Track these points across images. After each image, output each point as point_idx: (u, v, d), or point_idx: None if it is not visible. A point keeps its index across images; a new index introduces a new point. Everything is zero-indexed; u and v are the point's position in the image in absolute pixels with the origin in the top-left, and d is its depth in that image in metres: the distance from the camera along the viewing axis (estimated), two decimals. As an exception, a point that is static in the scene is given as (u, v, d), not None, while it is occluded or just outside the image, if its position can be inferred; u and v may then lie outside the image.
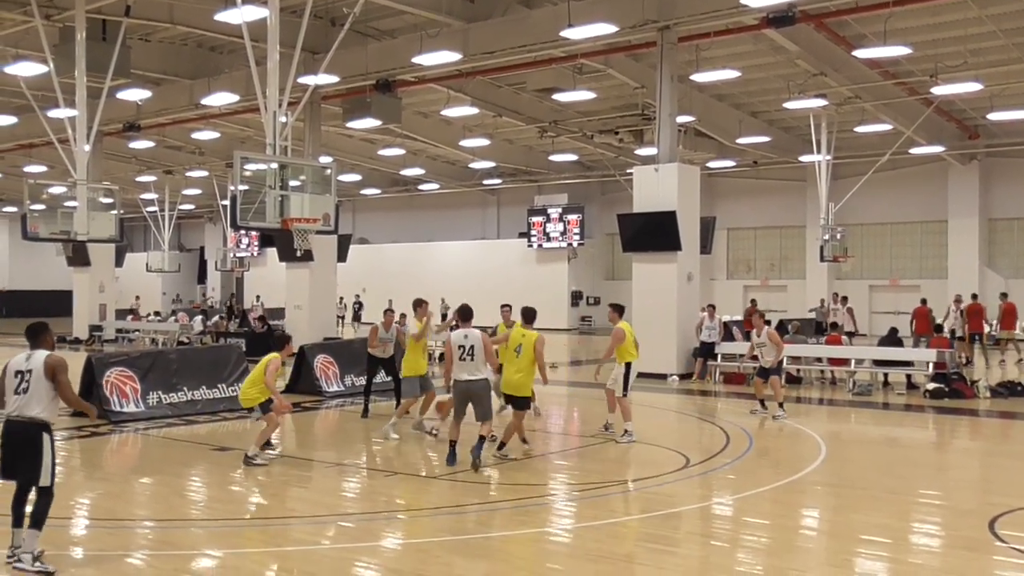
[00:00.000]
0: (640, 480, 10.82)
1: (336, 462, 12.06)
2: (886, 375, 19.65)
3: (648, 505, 9.64)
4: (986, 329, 23.48)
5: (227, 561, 7.57)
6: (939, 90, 25.92)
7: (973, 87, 24.94)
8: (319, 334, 25.12)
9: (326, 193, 17.35)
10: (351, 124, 29.45)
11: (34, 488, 7.04)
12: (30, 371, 7.12)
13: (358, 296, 42.61)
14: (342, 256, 28.39)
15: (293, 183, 16.69)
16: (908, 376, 19.10)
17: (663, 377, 20.56)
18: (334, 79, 24.58)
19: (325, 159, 27.01)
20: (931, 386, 17.88)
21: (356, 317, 41.95)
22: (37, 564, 6.92)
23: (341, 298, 38.65)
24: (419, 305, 13.48)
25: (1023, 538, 8.16)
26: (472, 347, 10.82)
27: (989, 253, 34.66)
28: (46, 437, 7.06)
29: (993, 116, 29.12)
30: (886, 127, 30.14)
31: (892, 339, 20.54)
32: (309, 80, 22.04)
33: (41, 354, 7.21)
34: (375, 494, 10.21)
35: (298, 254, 19.64)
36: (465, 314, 11.27)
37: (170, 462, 11.82)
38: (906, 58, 24.42)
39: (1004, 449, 13.95)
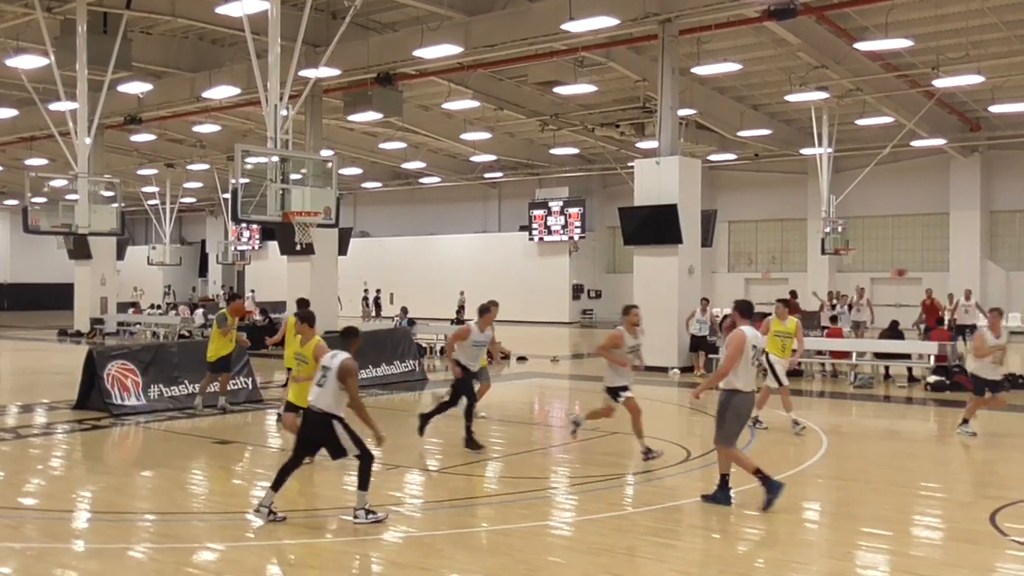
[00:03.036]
0: (641, 473, 10.82)
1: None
2: (887, 368, 19.65)
3: (649, 498, 9.66)
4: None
5: (229, 555, 7.59)
6: (940, 82, 25.87)
7: (975, 79, 24.90)
8: (320, 327, 25.12)
9: (327, 186, 17.36)
10: (352, 117, 29.44)
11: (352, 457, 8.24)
12: (329, 369, 8.30)
13: (377, 291, 42.01)
14: (343, 249, 28.40)
15: (294, 176, 16.71)
16: (909, 369, 19.11)
17: (664, 370, 20.57)
18: (335, 72, 24.57)
19: (326, 152, 27.02)
20: (932, 379, 17.89)
21: (376, 312, 40.90)
22: (370, 516, 8.17)
23: (366, 292, 38.25)
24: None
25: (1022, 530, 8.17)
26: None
27: (991, 245, 34.64)
28: (337, 424, 8.19)
29: (995, 108, 29.09)
30: (887, 120, 30.10)
31: (893, 332, 20.53)
32: (310, 73, 22.02)
33: (341, 356, 8.34)
34: (377, 488, 10.19)
35: (299, 247, 19.66)
36: (745, 311, 9.32)
37: (172, 455, 11.84)
38: (907, 50, 24.39)
39: (1005, 442, 13.94)
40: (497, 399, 19.01)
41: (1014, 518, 8.50)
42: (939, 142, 32.43)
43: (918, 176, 35.35)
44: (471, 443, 11.78)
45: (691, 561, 7.52)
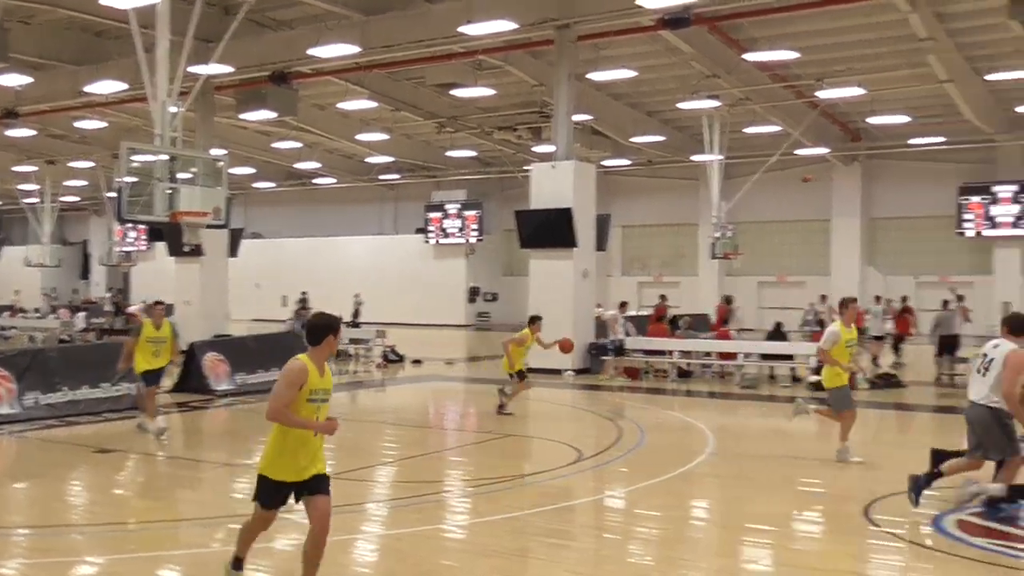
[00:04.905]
0: (534, 475, 10.90)
1: (227, 462, 11.79)
2: (772, 368, 20.26)
3: (542, 499, 9.72)
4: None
5: (109, 568, 7.33)
6: (824, 94, 26.88)
7: (856, 91, 25.96)
8: (209, 330, 24.53)
9: (217, 186, 16.94)
10: (245, 116, 28.84)
11: None
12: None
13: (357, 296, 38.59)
14: (233, 251, 27.79)
15: (183, 175, 16.25)
16: (792, 369, 19.75)
17: (558, 372, 20.75)
18: (228, 69, 24.01)
19: (217, 151, 26.38)
20: (813, 379, 18.50)
21: (354, 320, 35.20)
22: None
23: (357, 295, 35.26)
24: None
25: (895, 522, 8.52)
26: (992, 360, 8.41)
27: (870, 251, 36.06)
28: None
29: (873, 120, 30.36)
30: (775, 128, 31.05)
31: (777, 334, 21.21)
32: (201, 69, 21.46)
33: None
34: (267, 493, 10.01)
35: (187, 249, 19.15)
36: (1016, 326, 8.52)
37: (49, 465, 11.37)
38: (794, 62, 25.21)
39: (880, 437, 14.55)
40: (391, 402, 18.92)
41: (886, 510, 8.86)
42: (822, 151, 33.62)
43: (803, 184, 36.56)
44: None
45: (584, 561, 7.59)
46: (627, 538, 8.45)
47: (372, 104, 30.23)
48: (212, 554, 7.67)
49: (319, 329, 6.06)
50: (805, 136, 31.29)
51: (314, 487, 6.00)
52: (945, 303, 21.50)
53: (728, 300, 26.16)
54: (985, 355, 8.33)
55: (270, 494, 6.04)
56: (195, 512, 9.16)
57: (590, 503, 9.72)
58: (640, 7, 19.36)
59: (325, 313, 6.29)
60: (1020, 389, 7.99)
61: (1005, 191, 32.69)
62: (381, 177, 44.16)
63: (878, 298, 24.98)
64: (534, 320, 15.76)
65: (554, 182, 21.59)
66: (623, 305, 23.97)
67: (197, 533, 8.30)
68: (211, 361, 17.63)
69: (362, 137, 35.26)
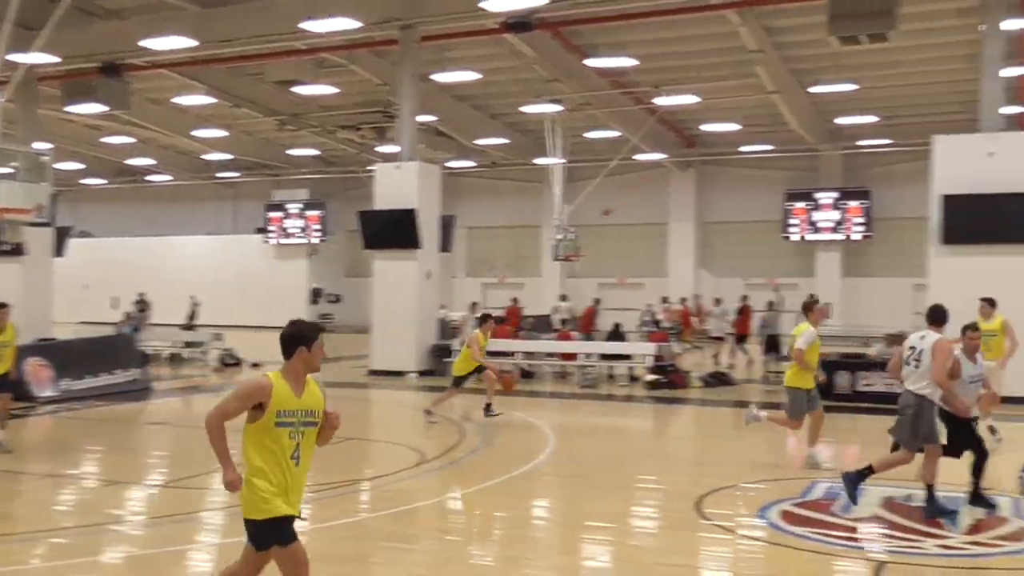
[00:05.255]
0: (375, 478, 10.81)
1: (49, 473, 11.16)
2: (611, 368, 20.80)
3: (383, 503, 9.65)
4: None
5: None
6: (661, 101, 27.78)
7: (691, 99, 26.98)
8: (31, 334, 23.15)
9: (41, 182, 16.06)
10: (72, 108, 27.35)
11: None
12: None
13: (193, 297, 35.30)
14: (59, 250, 26.31)
15: (3, 170, 15.30)
16: (630, 369, 20.34)
17: (401, 374, 20.66)
18: (53, 59, 22.71)
19: (41, 145, 24.93)
20: (650, 377, 19.14)
21: (190, 322, 33.29)
22: None
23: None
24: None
25: (724, 515, 8.90)
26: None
27: (703, 254, 37.53)
28: None
29: (707, 127, 31.59)
30: (615, 133, 31.87)
31: (616, 334, 21.81)
32: (22, 58, 20.25)
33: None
34: (93, 505, 9.55)
35: (7, 247, 18.05)
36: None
37: None
38: (633, 70, 25.94)
39: (712, 433, 15.19)
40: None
41: (716, 504, 9.25)
42: (660, 156, 34.75)
43: (642, 188, 37.65)
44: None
45: (425, 564, 7.58)
46: (469, 539, 8.50)
47: (210, 99, 29.26)
48: (31, 571, 7.24)
49: (288, 340, 5.14)
50: (644, 142, 32.24)
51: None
52: (770, 304, 22.60)
53: (597, 301, 26.78)
54: (913, 347, 8.68)
55: (273, 531, 5.06)
56: (12, 527, 8.62)
57: (432, 505, 9.71)
58: (484, 10, 19.50)
59: (299, 320, 5.39)
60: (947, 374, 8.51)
61: (826, 198, 34.63)
62: (219, 175, 42.78)
63: (718, 300, 25.97)
64: (484, 319, 15.09)
65: (398, 183, 21.48)
66: (474, 306, 24.08)
67: (15, 549, 7.81)
68: (33, 366, 16.64)
69: (199, 133, 34.07)
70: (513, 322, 26.10)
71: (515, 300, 29.16)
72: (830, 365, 17.32)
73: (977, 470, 8.79)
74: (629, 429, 15.90)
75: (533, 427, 14.61)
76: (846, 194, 34.29)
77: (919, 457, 8.71)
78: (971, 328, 8.93)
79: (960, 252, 16.93)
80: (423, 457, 11.74)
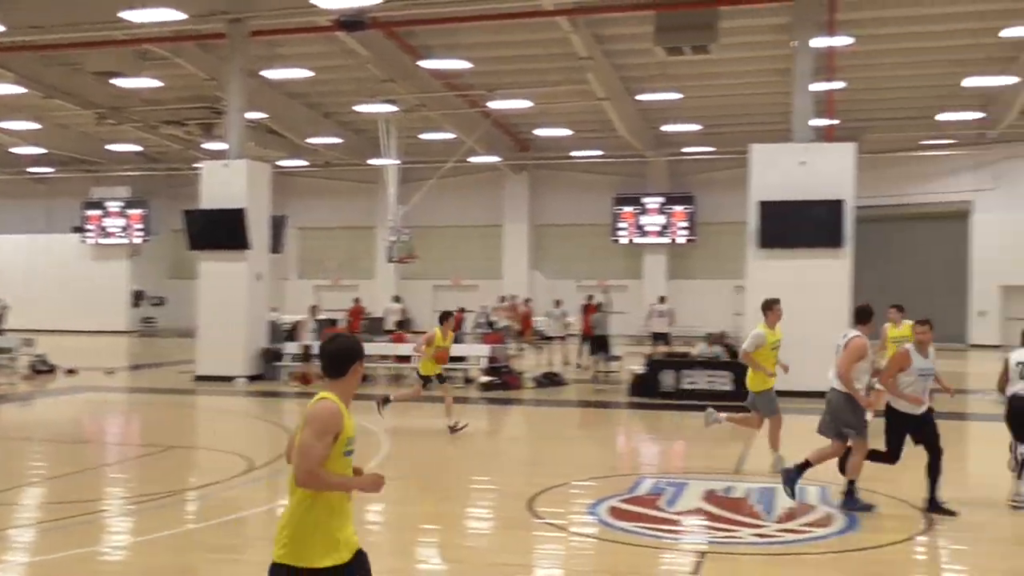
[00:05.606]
0: (202, 488, 10.42)
1: None
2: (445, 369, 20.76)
3: (209, 513, 9.31)
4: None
5: None
6: (495, 105, 28.06)
7: (524, 104, 27.38)
8: None
9: None
10: None
11: None
12: None
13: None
14: None
15: None
16: (464, 371, 20.41)
17: (229, 380, 20.01)
18: None
19: None
20: (484, 379, 19.27)
21: None
22: None
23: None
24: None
25: (556, 513, 9.05)
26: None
27: (537, 256, 38.15)
28: None
29: (540, 132, 32.14)
30: (450, 135, 31.97)
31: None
32: None
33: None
34: None
35: None
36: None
37: None
38: (468, 72, 26.09)
39: (545, 432, 15.46)
40: (40, 417, 17.29)
41: (548, 503, 9.40)
42: (494, 159, 35.10)
43: (477, 190, 37.93)
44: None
45: (255, 575, 7.35)
46: (299, 546, 8.29)
47: (20, 89, 27.46)
48: None
49: (341, 356, 4.35)
50: (478, 144, 32.48)
51: (360, 567, 4.37)
52: (599, 305, 23.17)
53: (460, 309, 26.37)
54: (839, 345, 9.05)
55: None
56: None
57: (261, 514, 9.43)
58: (315, 7, 19.14)
59: (343, 334, 4.74)
60: (855, 371, 8.89)
61: (653, 203, 35.91)
62: (30, 170, 40.24)
63: (558, 302, 26.28)
64: (446, 316, 14.37)
65: (226, 181, 20.80)
66: (314, 309, 23.57)
67: None
68: None
69: (7, 125, 31.94)
70: (355, 323, 25.82)
71: (357, 300, 28.80)
72: (655, 364, 18.00)
73: (933, 470, 8.77)
74: (463, 431, 15.94)
75: (365, 431, 14.42)
76: (672, 199, 35.66)
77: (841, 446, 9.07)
78: (920, 323, 9.06)
79: (775, 255, 17.88)
80: (251, 464, 11.40)
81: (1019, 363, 9.34)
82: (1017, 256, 30.21)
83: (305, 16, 20.78)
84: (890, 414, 8.95)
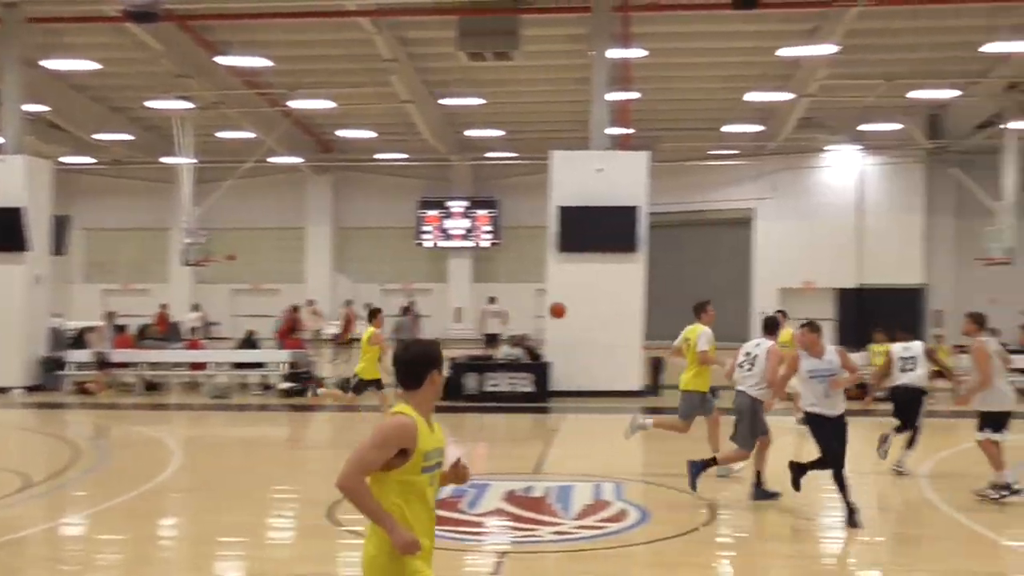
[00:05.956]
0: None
1: None
2: (244, 377, 20.16)
3: (-19, 535, 8.62)
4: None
5: None
6: (296, 104, 27.48)
7: (327, 104, 26.93)
8: None
9: None
10: None
11: None
12: None
13: None
14: None
15: None
16: (264, 377, 19.85)
17: (4, 391, 18.63)
18: None
19: None
20: (285, 385, 18.81)
21: None
22: None
23: None
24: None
25: (358, 520, 8.88)
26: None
27: (340, 259, 37.62)
28: None
29: (343, 133, 31.72)
30: (250, 135, 31.02)
31: (248, 342, 21.23)
32: None
33: None
34: None
35: None
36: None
37: None
38: (268, 70, 25.40)
39: (348, 439, 15.22)
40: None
41: (349, 510, 9.23)
42: (296, 160, 34.35)
43: (278, 191, 36.97)
44: None
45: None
46: (87, 567, 7.83)
47: None
48: None
49: (417, 364, 4.05)
50: (279, 144, 31.69)
51: None
52: (404, 309, 23.14)
53: (295, 308, 25.35)
54: (748, 353, 9.62)
55: None
56: None
57: (41, 533, 8.84)
58: (103, -5, 18.16)
59: (421, 340, 4.33)
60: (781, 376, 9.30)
61: (457, 206, 36.17)
62: None
63: (407, 308, 25.86)
64: (375, 314, 13.75)
65: (2, 178, 19.36)
66: (110, 315, 22.21)
67: None
68: None
69: None
70: (162, 328, 24.61)
71: (164, 307, 27.43)
72: (459, 367, 18.15)
73: (815, 464, 8.81)
74: (263, 439, 15.53)
75: (157, 442, 13.79)
76: (476, 203, 36.05)
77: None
78: (801, 326, 9.15)
79: (574, 259, 18.42)
80: (28, 481, 10.64)
81: (901, 357, 10.81)
82: (792, 260, 32.44)
83: (90, 4, 19.64)
84: (807, 419, 8.95)
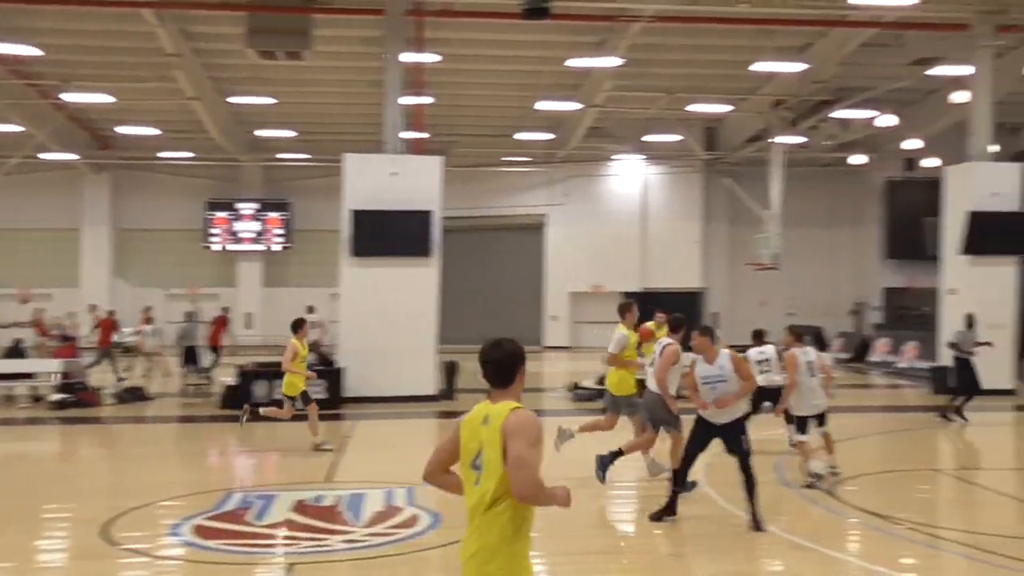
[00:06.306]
0: None
1: None
2: (10, 389, 18.72)
3: None
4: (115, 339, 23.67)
5: None
6: (70, 97, 25.83)
7: (105, 98, 25.41)
8: None
9: None
10: None
11: None
12: None
13: None
14: None
15: None
16: (33, 388, 18.51)
17: None
18: None
19: None
20: (57, 397, 17.62)
21: None
22: None
23: None
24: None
25: (136, 537, 8.51)
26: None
27: (119, 263, 35.62)
28: None
29: (123, 129, 30.09)
30: (17, 129, 28.88)
31: (16, 351, 19.77)
32: None
33: None
34: None
35: None
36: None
37: None
38: (37, 60, 23.71)
39: (127, 452, 14.46)
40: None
41: (126, 527, 8.80)
42: (71, 157, 32.25)
43: (50, 190, 34.58)
44: None
45: None
46: None
47: None
48: None
49: (510, 360, 4.14)
50: (51, 140, 29.71)
51: None
52: (189, 315, 22.13)
53: (110, 312, 23.23)
54: (656, 352, 10.02)
55: None
56: None
57: None
58: None
59: (505, 339, 4.22)
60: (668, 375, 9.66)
61: (248, 208, 35.07)
62: None
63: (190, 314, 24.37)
64: (299, 325, 13.22)
65: None
66: None
67: None
68: None
69: None
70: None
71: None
72: (247, 375, 17.58)
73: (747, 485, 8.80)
74: (31, 455, 14.45)
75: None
76: (267, 205, 35.12)
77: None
78: (698, 331, 9.04)
79: (368, 263, 18.28)
80: None
81: (757, 361, 11.78)
82: (582, 265, 33.58)
83: None
84: (696, 420, 8.99)
